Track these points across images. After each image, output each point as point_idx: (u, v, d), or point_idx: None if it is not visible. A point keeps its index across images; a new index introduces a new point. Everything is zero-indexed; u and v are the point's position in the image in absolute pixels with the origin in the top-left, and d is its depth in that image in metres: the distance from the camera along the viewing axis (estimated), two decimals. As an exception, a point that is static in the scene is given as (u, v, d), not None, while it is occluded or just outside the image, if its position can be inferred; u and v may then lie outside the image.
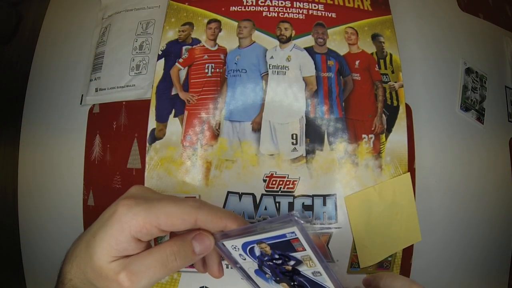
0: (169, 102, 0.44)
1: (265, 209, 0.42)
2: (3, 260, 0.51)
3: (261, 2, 0.47)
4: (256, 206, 0.42)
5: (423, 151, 0.48)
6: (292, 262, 0.27)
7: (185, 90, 0.44)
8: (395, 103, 0.46)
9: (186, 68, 0.45)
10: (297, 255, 0.26)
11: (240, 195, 0.42)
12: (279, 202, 0.42)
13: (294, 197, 0.42)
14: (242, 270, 0.31)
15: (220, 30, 0.46)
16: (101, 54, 0.49)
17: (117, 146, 0.46)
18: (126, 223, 0.24)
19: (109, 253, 0.24)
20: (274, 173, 0.43)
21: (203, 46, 0.46)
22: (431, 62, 0.52)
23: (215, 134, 0.43)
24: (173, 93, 0.44)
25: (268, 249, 0.27)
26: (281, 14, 0.47)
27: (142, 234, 0.24)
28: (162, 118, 0.44)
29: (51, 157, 0.49)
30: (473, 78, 0.54)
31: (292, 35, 0.46)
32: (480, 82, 0.55)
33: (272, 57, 0.45)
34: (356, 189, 0.43)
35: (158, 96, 0.44)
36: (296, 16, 0.47)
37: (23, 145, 0.51)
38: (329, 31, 0.47)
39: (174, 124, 0.43)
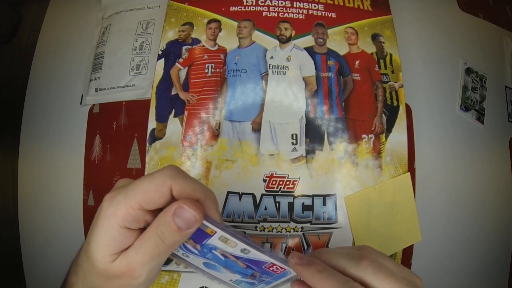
0: (169, 102, 0.44)
1: (265, 209, 0.42)
2: (3, 260, 0.51)
3: (261, 2, 0.47)
4: (256, 206, 0.42)
5: (423, 151, 0.48)
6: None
7: (185, 90, 0.44)
8: (395, 103, 0.46)
9: (186, 68, 0.45)
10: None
11: (240, 195, 0.42)
12: (279, 202, 0.42)
13: (294, 197, 0.42)
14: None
15: (220, 30, 0.46)
16: (101, 54, 0.49)
17: (117, 146, 0.46)
18: (112, 216, 0.23)
19: (108, 253, 0.24)
20: (274, 173, 0.43)
21: (203, 46, 0.46)
22: (431, 62, 0.52)
23: (215, 134, 0.43)
24: (173, 93, 0.44)
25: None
26: (281, 14, 0.47)
27: (128, 221, 0.23)
28: (162, 118, 0.44)
29: (51, 157, 0.49)
30: (473, 78, 0.54)
31: (292, 35, 0.46)
32: (480, 82, 0.55)
33: (272, 57, 0.45)
34: (356, 189, 0.43)
35: (158, 96, 0.44)
36: (296, 16, 0.47)
37: (23, 145, 0.51)
38: (329, 31, 0.47)
39: (174, 124, 0.43)
